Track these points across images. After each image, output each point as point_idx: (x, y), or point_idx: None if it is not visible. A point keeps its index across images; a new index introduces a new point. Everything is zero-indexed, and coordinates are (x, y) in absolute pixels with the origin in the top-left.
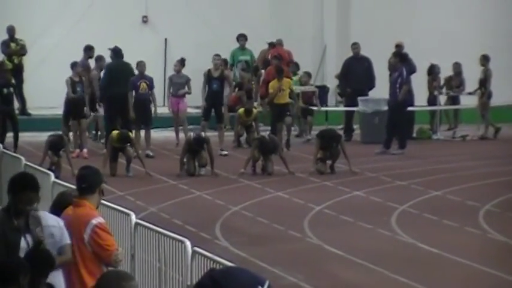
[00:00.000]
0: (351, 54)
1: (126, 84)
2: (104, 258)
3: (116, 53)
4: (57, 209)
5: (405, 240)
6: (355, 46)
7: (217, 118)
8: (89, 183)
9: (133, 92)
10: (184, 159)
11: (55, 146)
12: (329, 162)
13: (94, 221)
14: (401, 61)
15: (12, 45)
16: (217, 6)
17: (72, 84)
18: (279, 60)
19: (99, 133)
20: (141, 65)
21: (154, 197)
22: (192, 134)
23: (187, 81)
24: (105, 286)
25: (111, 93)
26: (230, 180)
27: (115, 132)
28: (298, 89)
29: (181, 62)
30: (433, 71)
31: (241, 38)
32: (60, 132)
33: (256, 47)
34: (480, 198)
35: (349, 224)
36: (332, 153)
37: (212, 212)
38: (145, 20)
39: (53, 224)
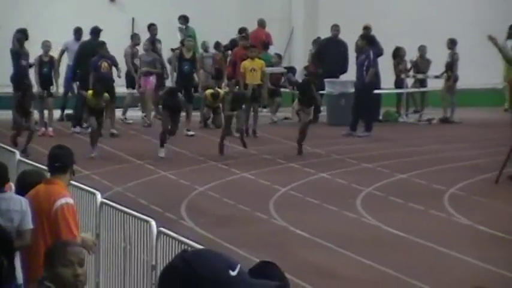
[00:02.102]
0: (317, 36)
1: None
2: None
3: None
4: (22, 188)
5: (370, 222)
6: (335, 28)
7: (188, 99)
8: (62, 162)
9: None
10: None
11: None
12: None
13: (64, 200)
14: (368, 44)
15: None
16: None
17: (40, 63)
18: (247, 41)
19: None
20: (101, 46)
21: (120, 176)
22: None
23: (155, 60)
24: (51, 251)
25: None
26: (196, 161)
27: (90, 91)
28: (267, 70)
29: (152, 43)
30: (398, 53)
31: (183, 19)
32: None
33: (224, 28)
34: (445, 182)
35: (314, 206)
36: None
37: (178, 192)
38: None
39: (16, 208)
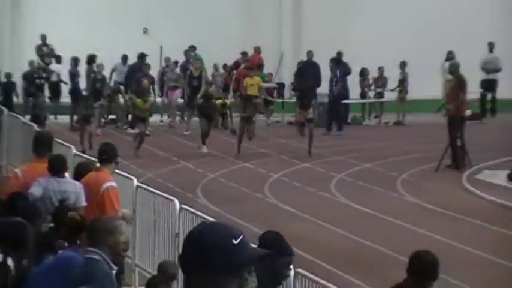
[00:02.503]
0: (302, 59)
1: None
2: (106, 214)
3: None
4: (77, 175)
5: (341, 201)
6: (310, 53)
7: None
8: (108, 155)
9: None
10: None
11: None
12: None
13: (109, 184)
14: (336, 65)
15: (44, 48)
16: (201, 23)
17: (93, 80)
18: (247, 63)
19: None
20: (146, 66)
21: (152, 166)
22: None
23: (179, 78)
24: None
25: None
26: (208, 154)
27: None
28: (263, 85)
29: (176, 64)
30: (363, 73)
31: (192, 48)
32: None
33: (230, 52)
34: (398, 170)
35: (299, 188)
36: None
37: (195, 178)
38: (145, 31)
39: (71, 190)
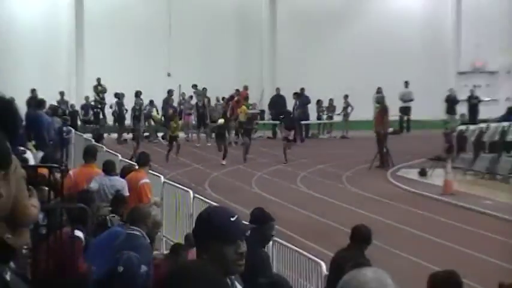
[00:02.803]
0: (275, 93)
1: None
2: (143, 201)
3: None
4: (123, 174)
5: (304, 190)
6: (278, 89)
7: (203, 126)
8: (143, 160)
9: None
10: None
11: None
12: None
13: (144, 180)
14: (297, 97)
15: (99, 87)
16: (208, 67)
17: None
18: (239, 96)
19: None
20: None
21: (175, 167)
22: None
23: (192, 107)
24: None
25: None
26: (213, 160)
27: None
28: (249, 112)
29: (190, 97)
30: (319, 102)
31: (194, 86)
32: None
33: (227, 88)
34: (343, 169)
35: (275, 182)
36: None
37: (204, 175)
38: (169, 74)
39: (118, 184)
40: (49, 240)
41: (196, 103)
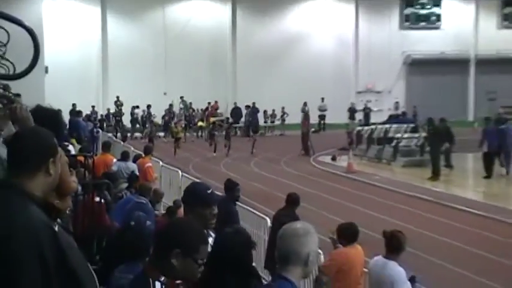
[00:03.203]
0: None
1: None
2: (148, 179)
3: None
4: (134, 160)
5: (256, 170)
6: (235, 103)
7: (190, 128)
8: (148, 151)
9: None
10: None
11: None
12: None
13: (148, 164)
14: (247, 108)
15: (118, 102)
16: (191, 87)
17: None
18: (212, 108)
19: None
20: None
21: (170, 156)
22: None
23: (181, 115)
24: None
25: None
26: (198, 152)
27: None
28: (218, 119)
29: (180, 109)
30: (265, 112)
31: (182, 98)
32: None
33: (203, 101)
34: (282, 156)
35: (237, 165)
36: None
37: (189, 161)
38: (165, 93)
39: (130, 167)
40: (84, 204)
41: (184, 112)
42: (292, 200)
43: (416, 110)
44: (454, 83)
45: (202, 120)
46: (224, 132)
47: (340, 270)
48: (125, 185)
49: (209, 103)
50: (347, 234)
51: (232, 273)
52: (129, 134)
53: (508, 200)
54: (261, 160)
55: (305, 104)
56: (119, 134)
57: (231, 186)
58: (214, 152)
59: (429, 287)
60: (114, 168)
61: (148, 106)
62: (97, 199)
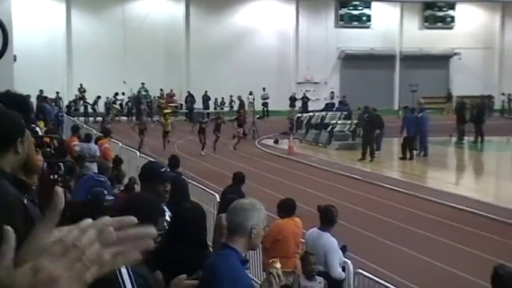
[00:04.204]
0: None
1: None
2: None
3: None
4: (96, 141)
5: (208, 153)
6: (188, 91)
7: (151, 113)
8: (106, 132)
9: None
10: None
11: None
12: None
13: (106, 145)
14: (203, 96)
15: (81, 89)
16: (149, 76)
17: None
18: (169, 96)
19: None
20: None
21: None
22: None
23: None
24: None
25: None
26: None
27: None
28: (173, 105)
29: (139, 93)
30: (216, 100)
31: (142, 84)
32: None
33: (156, 90)
34: (230, 139)
35: (188, 146)
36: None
37: (146, 144)
38: (124, 82)
39: (93, 148)
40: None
41: (146, 99)
42: (238, 178)
43: (345, 100)
44: (382, 76)
45: (165, 108)
46: (214, 124)
47: (276, 240)
48: (93, 165)
49: (161, 90)
50: (285, 207)
51: (189, 243)
52: (97, 118)
53: (425, 179)
54: (210, 143)
55: (250, 93)
56: (91, 119)
57: (176, 164)
58: (202, 149)
59: (358, 255)
60: (77, 149)
61: (116, 94)
62: (56, 176)
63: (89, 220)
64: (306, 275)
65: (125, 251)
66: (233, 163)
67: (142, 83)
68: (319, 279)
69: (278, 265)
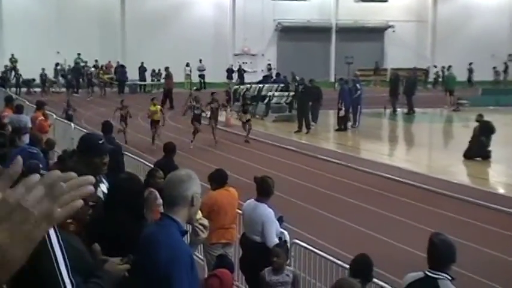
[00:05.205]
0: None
1: None
2: (42, 131)
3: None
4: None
5: (143, 125)
6: (118, 62)
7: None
8: (40, 105)
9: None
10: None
11: None
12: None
13: (40, 118)
14: (139, 68)
15: (13, 59)
16: (82, 49)
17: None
18: (105, 68)
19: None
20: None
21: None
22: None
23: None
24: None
25: None
26: (85, 106)
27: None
28: (108, 76)
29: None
30: (153, 71)
31: (78, 54)
32: None
33: (91, 61)
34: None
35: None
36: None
37: (80, 116)
38: (58, 52)
39: (24, 119)
40: None
41: (86, 70)
42: (169, 149)
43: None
44: (318, 48)
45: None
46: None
47: (211, 211)
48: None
49: (96, 61)
50: (216, 178)
51: (127, 214)
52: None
53: (360, 151)
54: (146, 114)
55: (187, 64)
56: (23, 89)
57: (109, 129)
58: (192, 141)
59: (294, 225)
60: (6, 120)
61: (57, 64)
62: None
63: (36, 176)
64: (272, 268)
65: (70, 201)
66: (168, 135)
67: (79, 54)
68: (287, 271)
69: (198, 215)
